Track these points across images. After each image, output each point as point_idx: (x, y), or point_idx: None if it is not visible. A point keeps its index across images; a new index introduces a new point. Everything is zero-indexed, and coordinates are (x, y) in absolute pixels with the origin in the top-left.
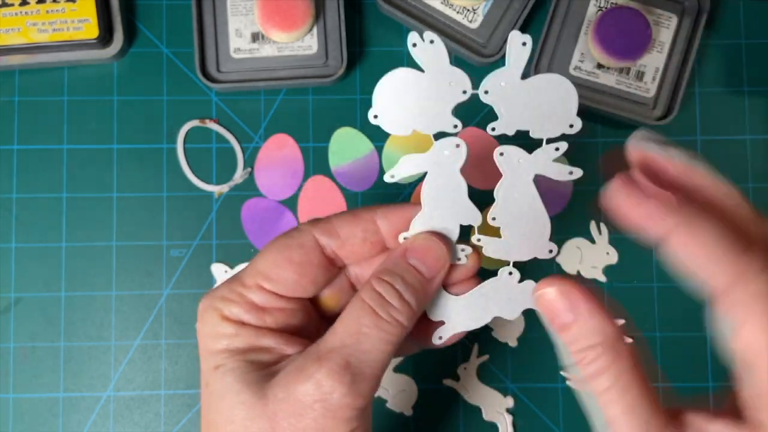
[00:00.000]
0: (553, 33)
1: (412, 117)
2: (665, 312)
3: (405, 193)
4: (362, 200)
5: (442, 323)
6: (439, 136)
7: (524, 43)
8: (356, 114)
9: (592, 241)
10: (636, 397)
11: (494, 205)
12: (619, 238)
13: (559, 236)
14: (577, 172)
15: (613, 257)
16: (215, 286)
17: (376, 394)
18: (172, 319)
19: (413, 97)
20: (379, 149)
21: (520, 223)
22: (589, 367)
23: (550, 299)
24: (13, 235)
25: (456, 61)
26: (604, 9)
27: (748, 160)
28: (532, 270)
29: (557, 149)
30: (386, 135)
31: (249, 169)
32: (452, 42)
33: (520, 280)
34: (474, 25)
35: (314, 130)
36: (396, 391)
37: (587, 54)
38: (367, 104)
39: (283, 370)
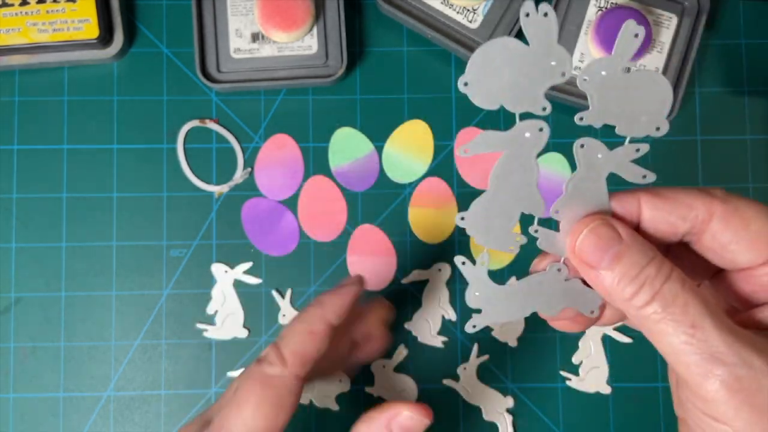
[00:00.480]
0: None
1: (503, 91)
2: None
3: (405, 193)
4: (362, 200)
5: (475, 311)
6: (524, 117)
7: (637, 35)
8: (356, 114)
9: None
10: (704, 295)
11: (560, 197)
12: None
13: None
14: (651, 177)
15: None
16: (185, 426)
17: (376, 394)
18: (172, 319)
19: (510, 70)
20: (379, 149)
21: (582, 217)
22: (655, 281)
23: (593, 240)
24: (13, 235)
25: (456, 61)
26: (603, 9)
27: (748, 160)
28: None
29: (638, 150)
30: (386, 135)
31: (249, 169)
32: (452, 42)
33: (567, 279)
34: (474, 25)
35: (314, 130)
36: (396, 391)
37: (587, 54)
38: (367, 104)
39: None
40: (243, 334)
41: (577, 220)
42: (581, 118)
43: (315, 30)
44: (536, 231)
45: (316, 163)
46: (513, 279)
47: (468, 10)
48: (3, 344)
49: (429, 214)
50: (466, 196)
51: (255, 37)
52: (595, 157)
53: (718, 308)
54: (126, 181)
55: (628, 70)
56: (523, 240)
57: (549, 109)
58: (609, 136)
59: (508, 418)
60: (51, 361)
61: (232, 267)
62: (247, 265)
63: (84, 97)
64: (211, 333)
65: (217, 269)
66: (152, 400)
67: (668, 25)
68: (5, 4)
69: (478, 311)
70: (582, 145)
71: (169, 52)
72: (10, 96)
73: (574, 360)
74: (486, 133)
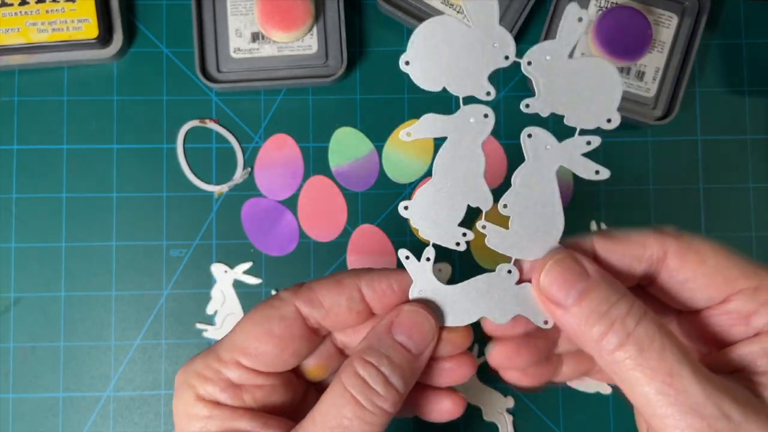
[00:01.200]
0: (553, 33)
1: (445, 72)
2: None
3: (405, 193)
4: (362, 200)
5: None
6: (468, 101)
7: (580, 19)
8: (356, 114)
9: None
10: (677, 337)
11: (509, 191)
12: None
13: None
14: (604, 173)
15: None
16: (192, 357)
17: None
18: (172, 319)
19: (452, 50)
20: (379, 149)
21: (533, 216)
22: (628, 320)
23: (558, 275)
24: (13, 235)
25: None
26: (604, 9)
27: (749, 160)
28: None
29: (589, 143)
30: (386, 135)
31: (249, 169)
32: None
33: (518, 282)
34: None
35: (314, 130)
36: None
37: (588, 54)
38: (367, 104)
39: None
40: None
41: (529, 220)
42: (527, 105)
43: (315, 30)
44: (484, 227)
45: (316, 163)
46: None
47: None
48: (3, 344)
49: None
50: None
51: (255, 36)
52: (543, 149)
53: (692, 353)
54: (126, 181)
55: (572, 55)
56: (471, 236)
57: (494, 94)
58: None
59: (509, 419)
60: (51, 361)
61: (231, 267)
62: (247, 265)
63: (84, 97)
64: (211, 333)
65: (217, 269)
66: (152, 401)
67: (669, 24)
68: (4, 4)
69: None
70: (529, 135)
71: (169, 51)
72: (9, 96)
73: None
74: (429, 116)
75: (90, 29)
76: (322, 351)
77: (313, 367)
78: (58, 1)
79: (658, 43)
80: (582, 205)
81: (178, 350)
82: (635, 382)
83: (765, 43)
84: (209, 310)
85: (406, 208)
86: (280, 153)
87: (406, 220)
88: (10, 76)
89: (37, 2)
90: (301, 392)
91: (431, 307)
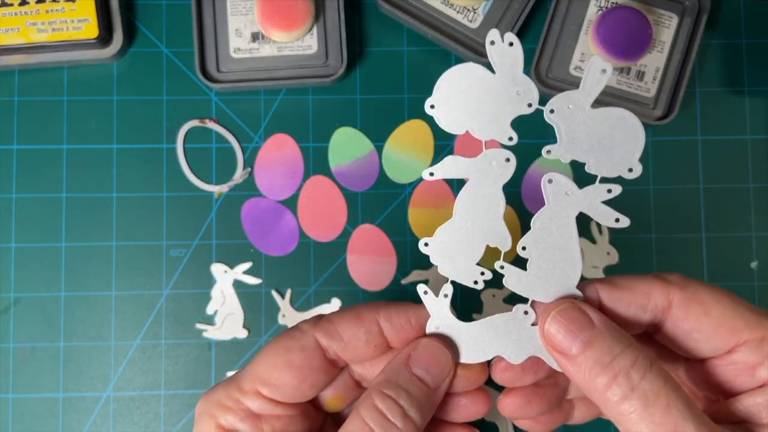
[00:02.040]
0: (553, 33)
1: (469, 116)
2: None
3: (405, 193)
4: (362, 200)
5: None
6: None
7: (604, 71)
8: (356, 114)
9: (593, 241)
10: (685, 393)
11: (528, 233)
12: (619, 239)
13: None
14: (624, 221)
15: (613, 257)
16: (214, 387)
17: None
18: (172, 319)
19: (476, 96)
20: (379, 149)
21: (551, 259)
22: (633, 372)
23: (562, 324)
24: (12, 235)
25: (456, 60)
26: (604, 9)
27: (749, 160)
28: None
29: (609, 191)
30: (386, 135)
31: (249, 169)
32: (452, 42)
33: (534, 323)
34: (474, 25)
35: (314, 130)
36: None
37: (588, 54)
38: (367, 104)
39: None
40: (243, 334)
41: (547, 263)
42: (548, 151)
43: (315, 30)
44: (502, 267)
45: (316, 163)
46: (477, 317)
47: (468, 9)
48: (2, 344)
49: (429, 214)
50: None
51: (255, 36)
52: (564, 195)
53: (698, 407)
54: (126, 181)
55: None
56: (489, 275)
57: (516, 140)
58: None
59: (509, 419)
60: (50, 361)
61: (231, 267)
62: (247, 265)
63: (84, 97)
64: (211, 333)
65: (217, 269)
66: (152, 401)
67: (669, 24)
68: (4, 4)
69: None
70: (550, 180)
71: (169, 51)
72: (9, 96)
73: None
74: (453, 158)
75: (90, 29)
76: (340, 382)
77: (330, 398)
78: (58, 1)
79: (659, 43)
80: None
81: (178, 350)
82: None
83: (765, 43)
84: (209, 310)
85: (426, 244)
86: (280, 153)
87: (406, 220)
88: (9, 76)
89: (37, 2)
90: (318, 423)
91: (448, 342)
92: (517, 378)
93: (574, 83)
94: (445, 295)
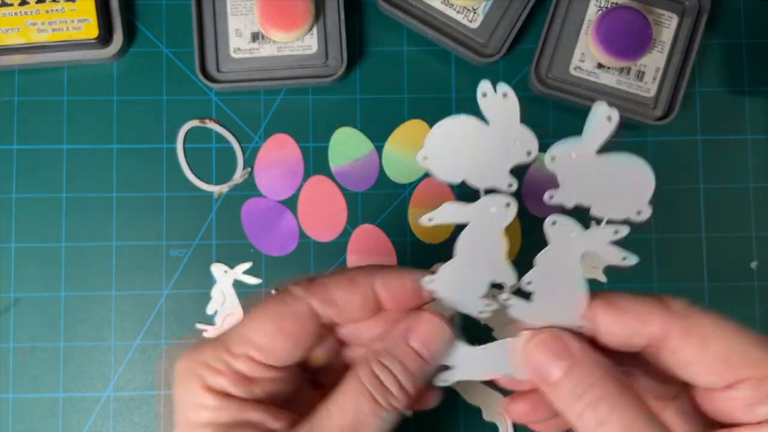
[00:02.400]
0: (553, 33)
1: (465, 167)
2: None
3: (405, 193)
4: (362, 200)
5: (446, 367)
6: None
7: (609, 118)
8: (356, 114)
9: None
10: (654, 423)
11: (532, 270)
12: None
13: None
14: (632, 259)
15: None
16: (196, 345)
17: None
18: (172, 319)
19: (471, 147)
20: (379, 149)
21: (556, 293)
22: (600, 407)
23: (541, 353)
24: (12, 235)
25: (456, 60)
26: (604, 9)
27: (749, 160)
28: None
29: (616, 232)
30: (386, 135)
31: (249, 169)
32: (452, 42)
33: None
34: (474, 25)
35: (314, 130)
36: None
37: (587, 54)
38: (367, 104)
39: None
40: None
41: (552, 296)
42: (551, 197)
43: (315, 30)
44: (507, 299)
45: (316, 163)
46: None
47: (468, 9)
48: (2, 344)
49: None
50: (466, 196)
51: (255, 36)
52: (568, 237)
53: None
54: (126, 181)
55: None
56: (495, 306)
57: (515, 186)
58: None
59: (509, 419)
60: (50, 361)
61: (231, 267)
62: (247, 265)
63: (83, 97)
64: (211, 333)
65: (217, 269)
66: (152, 401)
67: (669, 24)
68: (4, 4)
69: (450, 367)
70: (553, 223)
71: (169, 51)
72: (9, 96)
73: None
74: (452, 204)
75: (90, 29)
76: (325, 340)
77: (317, 354)
78: (58, 1)
79: (658, 43)
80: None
81: (178, 350)
82: None
83: (765, 43)
84: (209, 310)
85: (431, 281)
86: (280, 153)
87: (406, 220)
88: (9, 76)
89: (37, 2)
90: (299, 383)
91: (448, 321)
92: (523, 383)
93: (574, 83)
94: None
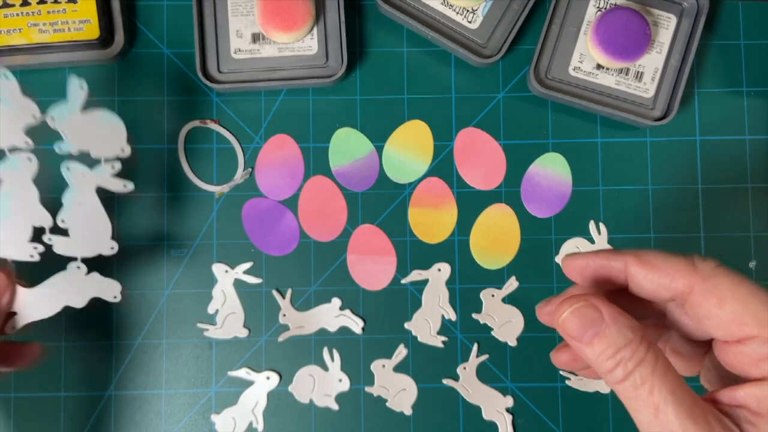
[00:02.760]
0: (552, 34)
1: None
2: None
3: (405, 193)
4: (362, 200)
5: (13, 314)
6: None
7: (82, 87)
8: (356, 114)
9: (592, 240)
10: (675, 378)
11: (62, 209)
12: (618, 238)
13: (558, 236)
14: (129, 185)
15: None
16: None
17: (376, 394)
18: (173, 318)
19: None
20: (379, 149)
21: (85, 225)
22: (629, 362)
23: (576, 319)
24: None
25: (456, 61)
26: (603, 10)
27: (747, 160)
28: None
29: (113, 167)
30: (386, 135)
31: (249, 170)
32: (452, 43)
33: (88, 273)
34: (474, 26)
35: (314, 131)
36: (396, 391)
37: (586, 54)
38: (367, 105)
39: None
40: (243, 333)
41: (83, 228)
42: (60, 148)
43: (315, 31)
44: (50, 239)
45: (316, 163)
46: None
47: (467, 10)
48: None
49: (429, 214)
50: (465, 196)
51: (255, 37)
52: (81, 176)
53: (685, 393)
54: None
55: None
56: (41, 248)
57: (31, 144)
58: None
59: (508, 418)
60: (52, 360)
61: (232, 267)
62: (248, 265)
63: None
64: (212, 332)
65: (218, 269)
66: (153, 400)
67: (667, 25)
68: (6, 5)
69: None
70: (68, 168)
71: (170, 52)
72: None
73: None
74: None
75: (91, 30)
76: None
77: None
78: (60, 2)
79: (657, 44)
80: (581, 205)
81: (178, 350)
82: (632, 409)
83: (763, 44)
84: (210, 310)
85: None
86: (280, 153)
87: (406, 220)
88: None
89: (38, 3)
90: None
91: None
92: (552, 316)
93: (573, 84)
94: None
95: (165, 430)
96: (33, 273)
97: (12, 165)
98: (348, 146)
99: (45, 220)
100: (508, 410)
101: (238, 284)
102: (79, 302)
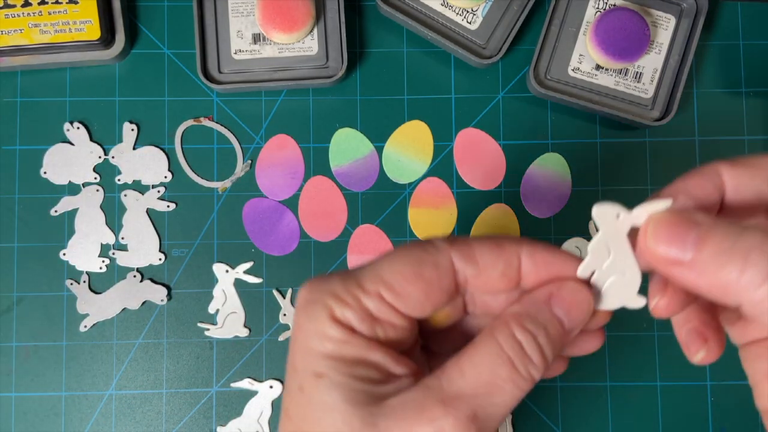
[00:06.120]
0: (551, 34)
1: (69, 170)
2: None
3: (405, 193)
4: (362, 200)
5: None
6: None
7: (132, 129)
8: (356, 115)
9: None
10: None
11: (122, 229)
12: None
13: (557, 236)
14: (172, 205)
15: None
16: (325, 275)
17: None
18: (173, 318)
19: (68, 159)
20: (379, 150)
21: (139, 240)
22: (765, 248)
23: (665, 232)
24: (15, 234)
25: (456, 62)
26: (602, 10)
27: None
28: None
29: (159, 192)
30: (386, 136)
31: (249, 162)
32: (451, 43)
33: (141, 280)
34: (473, 27)
35: (315, 131)
36: None
37: (586, 55)
38: (368, 105)
39: (398, 400)
40: (244, 333)
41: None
42: (119, 179)
43: (315, 31)
44: (113, 254)
45: (316, 163)
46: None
47: (467, 11)
48: (5, 343)
49: (429, 214)
50: (465, 196)
51: (256, 38)
52: (134, 200)
53: None
54: None
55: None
56: (107, 261)
57: (99, 178)
58: None
59: (508, 418)
60: (53, 360)
61: (233, 266)
62: (248, 265)
63: (86, 98)
64: (213, 332)
65: (219, 269)
66: (154, 399)
67: (666, 26)
68: (7, 5)
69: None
70: (125, 195)
71: (171, 53)
72: (12, 97)
73: None
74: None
75: (92, 30)
76: (454, 302)
77: (441, 314)
78: (61, 3)
79: (656, 45)
80: (581, 205)
81: (179, 349)
82: None
83: (762, 44)
84: (211, 309)
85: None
86: (280, 153)
87: (406, 220)
88: (12, 77)
89: (39, 4)
90: (415, 341)
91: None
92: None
93: (573, 84)
94: (84, 282)
95: (165, 430)
96: (98, 281)
97: (85, 196)
98: (348, 146)
99: (109, 238)
100: None
101: (239, 284)
102: (135, 305)
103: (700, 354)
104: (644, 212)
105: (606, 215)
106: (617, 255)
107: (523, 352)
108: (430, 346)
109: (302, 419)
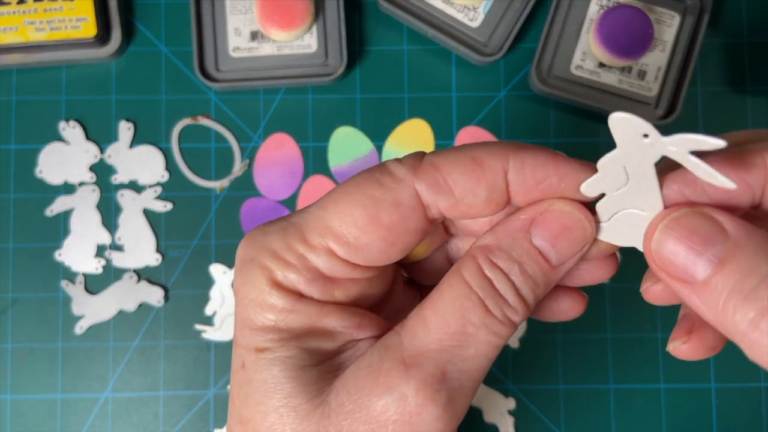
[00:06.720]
0: (554, 32)
1: (64, 169)
2: (667, 312)
3: None
4: None
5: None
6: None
7: (128, 128)
8: (356, 113)
9: None
10: None
11: (118, 229)
12: None
13: None
14: (169, 205)
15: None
16: (264, 225)
17: None
18: (170, 319)
19: (64, 158)
20: (379, 149)
21: (135, 241)
22: None
23: (680, 238)
24: (10, 235)
25: (457, 60)
26: (605, 8)
27: None
28: None
29: (155, 191)
30: (386, 134)
31: (248, 161)
32: (453, 41)
33: (138, 281)
34: (475, 24)
35: (314, 130)
36: None
37: (589, 53)
38: (367, 103)
39: (351, 369)
40: None
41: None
42: (116, 178)
43: (314, 29)
44: (110, 254)
45: (315, 162)
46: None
47: (469, 8)
48: (0, 345)
49: None
50: None
51: (254, 35)
52: (131, 200)
53: None
54: None
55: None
56: (104, 262)
57: (95, 178)
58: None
59: (509, 420)
60: (49, 362)
61: (231, 268)
62: None
63: (82, 97)
64: (210, 334)
65: (216, 270)
66: (150, 402)
67: (670, 23)
68: (2, 3)
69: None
70: (122, 195)
71: (168, 51)
72: (7, 95)
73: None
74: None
75: (88, 28)
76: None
77: (418, 248)
78: (57, 0)
79: (660, 42)
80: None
81: (176, 351)
82: None
83: (767, 42)
84: (208, 311)
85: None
86: (279, 152)
87: None
88: (7, 76)
89: (35, 1)
90: (390, 282)
91: (590, 210)
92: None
93: (576, 82)
94: (81, 282)
95: None
96: (93, 282)
97: (80, 195)
98: (347, 145)
99: (106, 238)
100: (509, 412)
101: None
102: (131, 306)
103: (675, 343)
104: (684, 146)
105: (628, 130)
106: (637, 184)
107: (496, 291)
108: (414, 277)
109: (242, 402)
